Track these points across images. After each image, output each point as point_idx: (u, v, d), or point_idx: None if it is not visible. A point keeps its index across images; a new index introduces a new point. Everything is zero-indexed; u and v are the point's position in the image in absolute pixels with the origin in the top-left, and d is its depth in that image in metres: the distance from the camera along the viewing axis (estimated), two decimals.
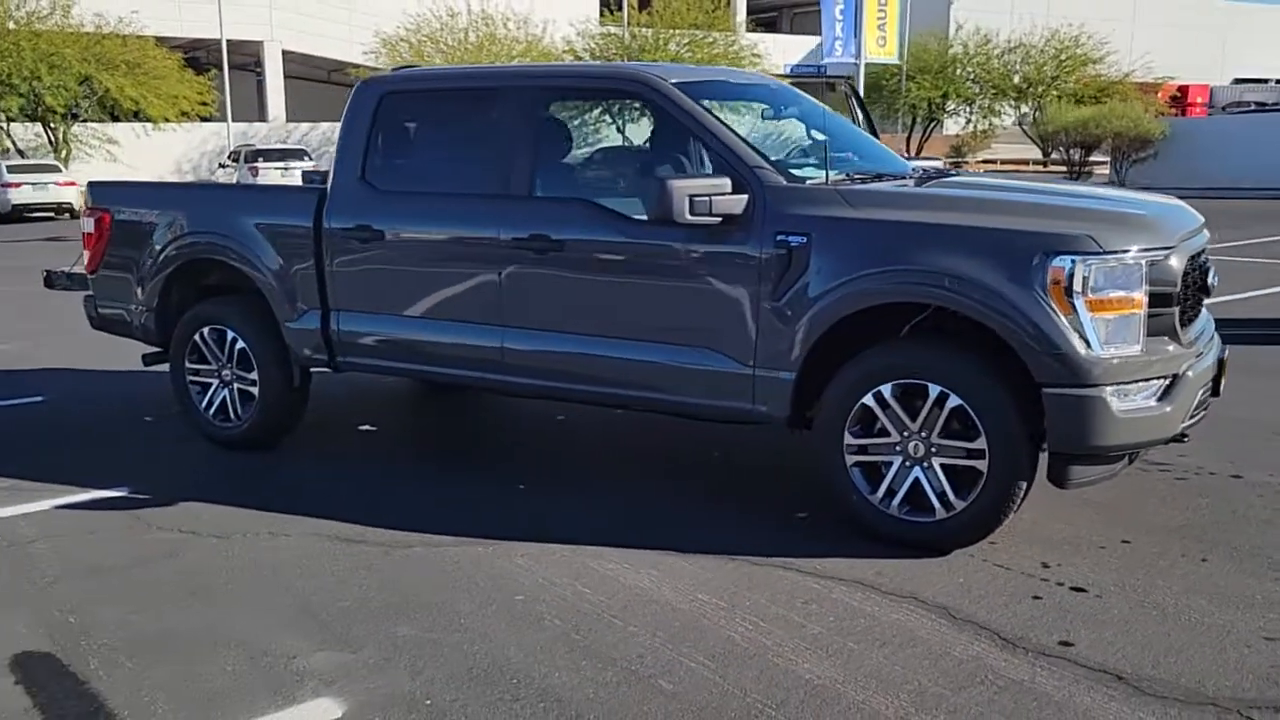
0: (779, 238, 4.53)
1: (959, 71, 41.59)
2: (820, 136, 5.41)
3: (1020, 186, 5.27)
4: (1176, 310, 4.33)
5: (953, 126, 44.38)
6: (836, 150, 5.25)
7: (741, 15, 47.22)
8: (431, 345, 5.43)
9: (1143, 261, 4.19)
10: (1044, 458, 4.37)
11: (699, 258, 4.70)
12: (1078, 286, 4.08)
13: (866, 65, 18.39)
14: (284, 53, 41.04)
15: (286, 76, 42.48)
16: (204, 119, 36.50)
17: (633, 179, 5.07)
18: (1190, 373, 4.36)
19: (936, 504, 4.38)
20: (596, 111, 5.68)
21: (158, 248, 6.17)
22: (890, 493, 4.48)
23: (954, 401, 4.28)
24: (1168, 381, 4.29)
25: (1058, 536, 4.58)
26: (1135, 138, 30.26)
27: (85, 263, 6.64)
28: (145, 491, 5.45)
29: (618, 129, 5.43)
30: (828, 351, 4.55)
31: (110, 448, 6.29)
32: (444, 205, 5.37)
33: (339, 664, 3.65)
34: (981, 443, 4.26)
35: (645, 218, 4.84)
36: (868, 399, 4.45)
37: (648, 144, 5.34)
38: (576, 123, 5.62)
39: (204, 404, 6.21)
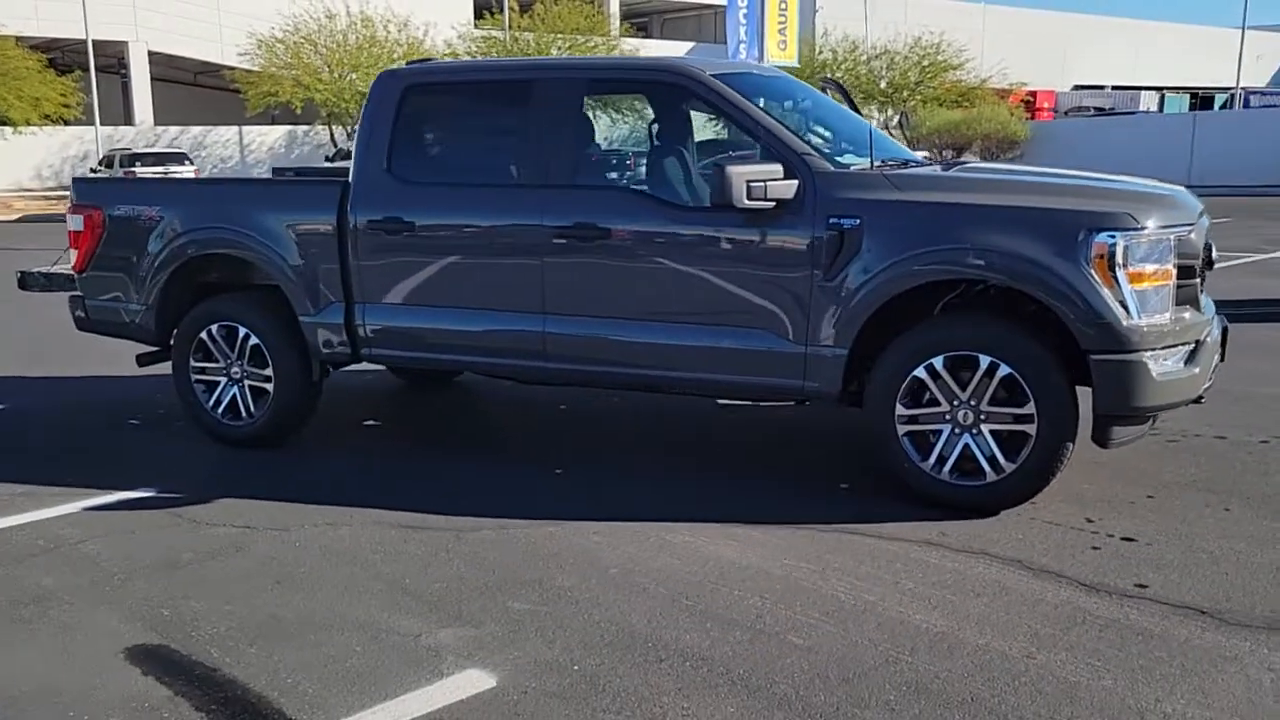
0: (831, 220, 4.75)
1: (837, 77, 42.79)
2: (836, 126, 5.67)
3: (1037, 172, 5.62)
4: (1198, 282, 4.72)
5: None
6: (851, 140, 5.51)
7: (616, 21, 47.59)
8: (467, 334, 5.49)
9: (1171, 237, 4.56)
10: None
11: (750, 242, 4.89)
12: (1119, 260, 4.43)
13: (785, 66, 18.79)
14: (149, 54, 39.58)
15: (152, 79, 40.99)
16: (66, 122, 34.96)
17: (678, 167, 5.23)
18: (1208, 339, 4.76)
19: (987, 468, 4.67)
20: (635, 102, 5.80)
21: (160, 244, 6.04)
22: (941, 459, 4.75)
23: (1004, 371, 4.58)
24: (1191, 347, 4.67)
25: (1089, 495, 4.92)
26: (1003, 139, 31.79)
27: (72, 262, 6.44)
28: (172, 491, 5.35)
29: (655, 119, 5.57)
30: (873, 329, 4.80)
31: (108, 451, 6.14)
32: (482, 196, 5.44)
33: (468, 638, 3.71)
34: (1030, 408, 4.56)
35: (690, 204, 5.02)
36: (919, 371, 4.71)
37: (691, 134, 5.50)
38: (615, 113, 5.74)
39: (211, 403, 6.10)
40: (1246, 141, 30.58)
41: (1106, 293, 4.42)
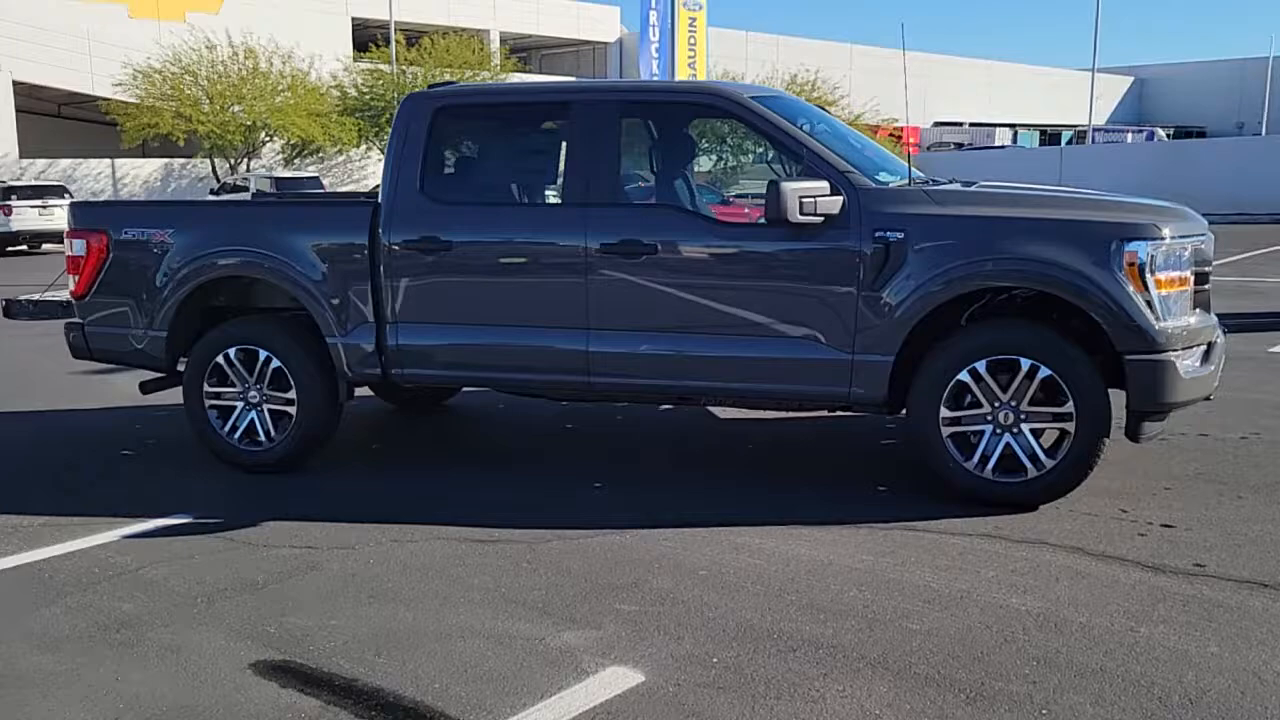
0: (877, 234, 5.01)
1: None
2: (853, 145, 5.94)
3: (1047, 188, 5.98)
4: (1209, 288, 5.13)
5: (705, 163, 46.50)
6: (868, 160, 5.79)
7: (498, 56, 47.68)
8: (506, 351, 5.55)
9: (1189, 246, 4.96)
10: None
11: (799, 255, 5.11)
12: (1148, 267, 4.79)
13: None
14: (14, 84, 37.92)
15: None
16: None
17: (724, 184, 5.42)
18: (1218, 340, 5.17)
19: (1029, 464, 4.96)
20: (675, 124, 5.94)
21: (174, 267, 5.94)
22: (984, 459, 5.03)
23: (1044, 373, 4.88)
24: (1205, 348, 5.07)
25: (1113, 490, 5.25)
26: None
27: (72, 287, 6.26)
28: (208, 516, 5.26)
29: (694, 141, 5.74)
30: (916, 336, 5.07)
31: (116, 481, 5.99)
32: (523, 214, 5.54)
33: (594, 639, 3.79)
34: (1069, 407, 4.87)
35: (735, 221, 5.21)
36: (963, 375, 4.99)
37: (732, 154, 5.70)
38: (656, 134, 5.89)
39: (226, 428, 6.00)
40: (1108, 170, 32.42)
41: (1139, 298, 4.77)
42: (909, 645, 3.67)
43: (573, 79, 8.00)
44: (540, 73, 57.08)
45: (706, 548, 4.65)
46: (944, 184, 5.51)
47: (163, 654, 3.79)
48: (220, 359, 5.95)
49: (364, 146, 38.72)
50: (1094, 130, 58.95)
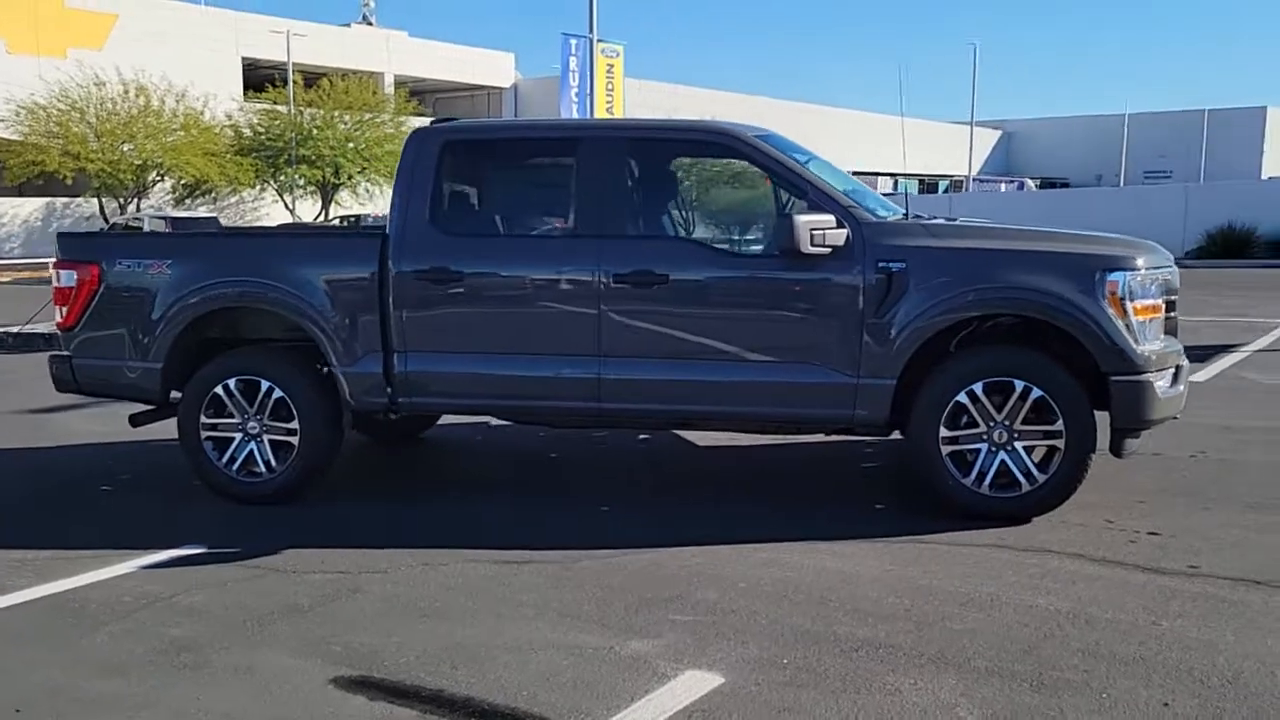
0: (880, 264, 5.32)
1: None
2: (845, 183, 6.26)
3: (1028, 226, 6.33)
4: (1175, 315, 5.58)
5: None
6: (859, 196, 6.09)
7: (392, 100, 47.59)
8: (518, 379, 5.68)
9: (1160, 276, 5.40)
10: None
11: (806, 285, 5.39)
12: (1126, 296, 5.21)
13: None
14: None
15: None
16: None
17: (730, 218, 5.67)
18: (1184, 363, 5.61)
19: (1023, 480, 5.31)
20: (682, 160, 6.18)
21: (172, 299, 5.91)
22: (980, 475, 5.35)
23: (1036, 393, 5.24)
24: (1174, 370, 5.50)
25: (1093, 503, 5.59)
26: None
27: (59, 319, 6.17)
28: (222, 546, 5.25)
29: (699, 177, 6.00)
30: (913, 362, 5.38)
31: (104, 514, 5.94)
32: (535, 246, 5.70)
33: (661, 646, 3.95)
34: (1060, 425, 5.23)
35: (743, 252, 5.48)
36: (961, 396, 5.31)
37: (736, 189, 5.96)
38: (665, 170, 6.11)
39: (224, 460, 5.97)
40: (994, 215, 33.90)
41: (1120, 323, 5.18)
42: (960, 643, 3.92)
43: (576, 118, 8.13)
44: (435, 114, 56.95)
45: (735, 563, 4.85)
46: (934, 219, 5.86)
47: (236, 674, 3.81)
48: (220, 390, 5.93)
49: (259, 187, 38.14)
50: (971, 180, 61.68)
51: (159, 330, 5.95)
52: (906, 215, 5.64)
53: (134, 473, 6.87)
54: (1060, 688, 3.53)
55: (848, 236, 5.31)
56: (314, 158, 35.98)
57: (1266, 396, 8.80)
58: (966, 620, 4.13)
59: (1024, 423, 5.30)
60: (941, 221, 5.78)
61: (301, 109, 36.54)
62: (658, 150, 5.95)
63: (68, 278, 6.09)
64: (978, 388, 5.30)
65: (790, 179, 5.54)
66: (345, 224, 34.37)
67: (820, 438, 6.32)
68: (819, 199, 5.43)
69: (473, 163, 5.97)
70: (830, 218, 5.28)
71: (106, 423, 7.86)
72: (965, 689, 3.55)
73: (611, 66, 19.21)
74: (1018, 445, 5.31)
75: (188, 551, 5.19)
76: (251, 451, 5.96)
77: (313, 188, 38.15)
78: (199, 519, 5.75)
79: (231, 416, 5.96)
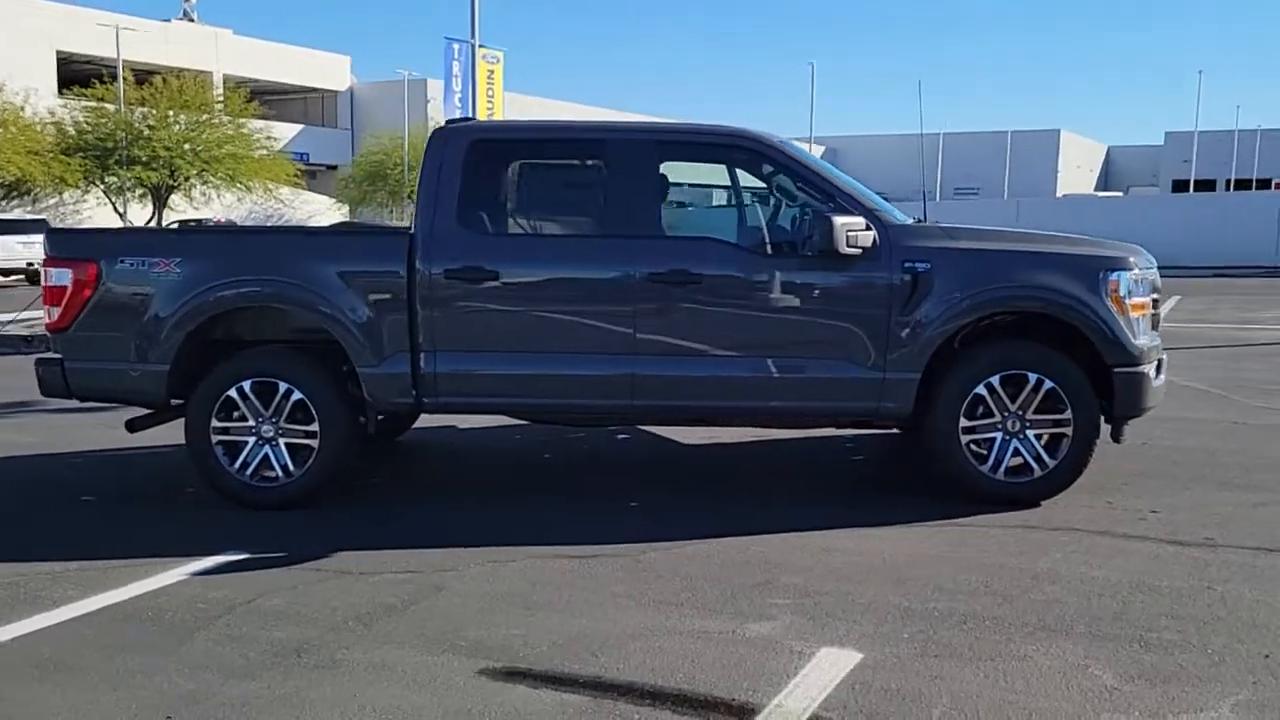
0: (906, 265, 5.63)
1: None
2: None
3: (1028, 230, 6.71)
4: (1158, 312, 6.10)
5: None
6: (876, 201, 6.35)
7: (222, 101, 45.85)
8: (550, 378, 5.73)
9: (1149, 276, 5.90)
10: None
11: (836, 285, 5.64)
12: (1124, 294, 5.68)
13: None
14: None
15: None
16: None
17: (759, 220, 5.87)
18: (1164, 356, 6.14)
19: (1035, 465, 5.70)
20: (712, 163, 6.31)
21: (181, 299, 5.70)
22: (996, 462, 5.72)
23: (1048, 385, 5.65)
24: (1157, 362, 6.01)
25: (1087, 485, 5.99)
26: None
27: (50, 319, 5.86)
28: (264, 550, 5.13)
29: (732, 179, 6.13)
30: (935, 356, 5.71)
31: (111, 524, 5.71)
32: (569, 245, 5.76)
33: (782, 628, 4.11)
34: (1069, 414, 5.65)
35: (774, 253, 5.71)
36: (980, 389, 5.67)
37: (761, 192, 6.15)
38: (692, 172, 6.24)
39: (236, 465, 5.80)
40: None
41: (1121, 320, 5.64)
42: (1052, 613, 4.23)
43: (600, 120, 8.03)
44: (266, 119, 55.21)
45: (797, 551, 5.05)
46: (947, 225, 6.21)
47: (378, 672, 3.77)
48: (233, 392, 5.75)
49: (84, 188, 36.06)
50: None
51: (166, 331, 5.73)
52: (925, 217, 5.95)
53: (124, 481, 6.60)
54: (1168, 648, 3.87)
55: (875, 239, 5.59)
56: (147, 159, 34.33)
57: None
58: (1044, 592, 4.45)
59: (1035, 412, 5.69)
60: (961, 226, 6.12)
61: (133, 107, 34.79)
62: (685, 152, 6.11)
63: (60, 276, 5.80)
64: (995, 380, 5.66)
65: (816, 182, 5.79)
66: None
67: (799, 437, 6.61)
68: (846, 202, 5.69)
69: (500, 162, 5.99)
70: (861, 220, 5.55)
71: (51, 430, 7.45)
72: (1085, 652, 3.84)
73: (492, 73, 19.14)
74: (1029, 433, 5.70)
75: (232, 557, 5.04)
76: (266, 455, 5.80)
77: (143, 190, 36.37)
78: (220, 524, 5.56)
79: (245, 420, 5.79)
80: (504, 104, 19.67)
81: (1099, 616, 4.17)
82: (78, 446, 7.61)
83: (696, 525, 5.42)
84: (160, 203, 36.37)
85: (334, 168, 51.83)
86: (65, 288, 5.78)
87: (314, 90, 55.71)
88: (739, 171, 6.11)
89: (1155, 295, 6.00)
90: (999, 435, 5.71)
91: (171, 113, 34.83)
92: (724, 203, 6.25)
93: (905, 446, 7.31)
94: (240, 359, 5.82)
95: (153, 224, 35.67)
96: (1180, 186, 67.29)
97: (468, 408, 6.01)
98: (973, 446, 5.72)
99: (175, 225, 34.21)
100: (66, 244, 5.95)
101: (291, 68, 53.56)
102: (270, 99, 55.39)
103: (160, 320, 5.72)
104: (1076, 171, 79.21)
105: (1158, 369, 5.95)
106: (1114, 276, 5.67)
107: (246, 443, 5.80)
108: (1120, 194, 64.09)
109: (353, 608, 4.38)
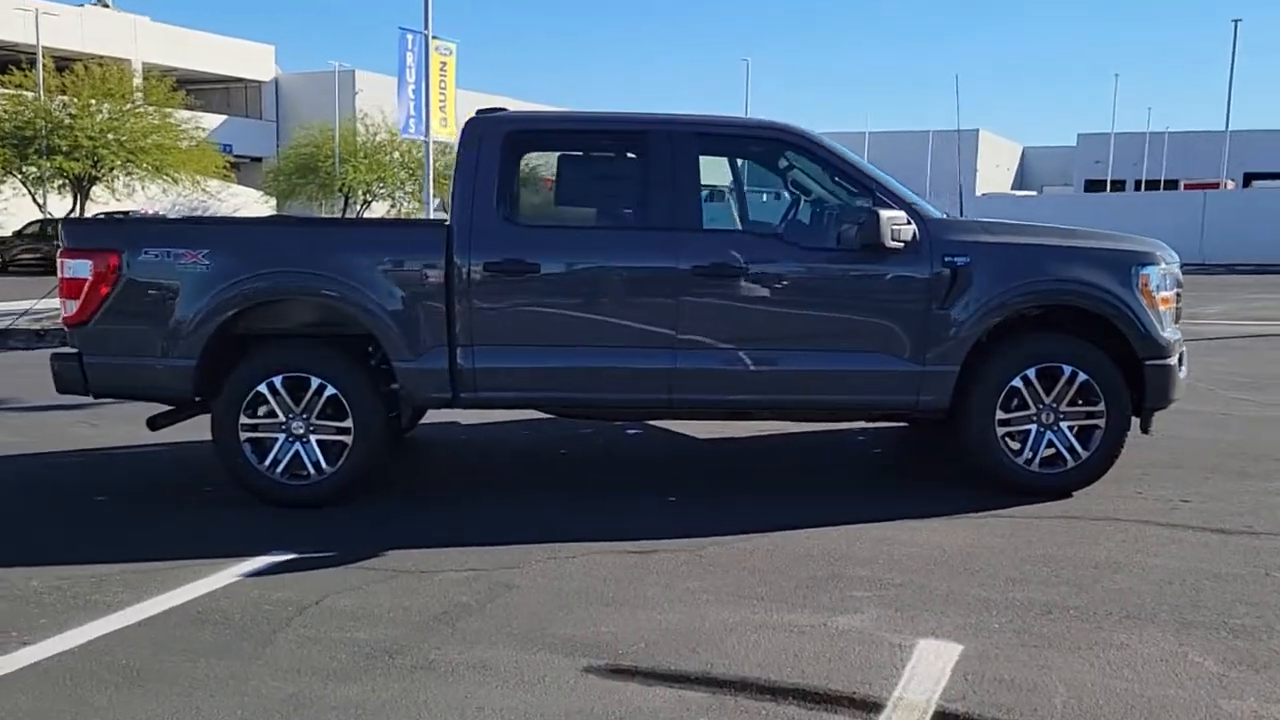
0: (946, 259, 5.67)
1: (388, 158, 43.35)
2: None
3: (1056, 225, 6.78)
4: (1180, 306, 6.24)
5: (380, 208, 45.75)
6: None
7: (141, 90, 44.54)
8: (590, 371, 5.66)
9: (1173, 271, 6.03)
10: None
11: (878, 278, 5.67)
12: (1154, 288, 5.80)
13: (433, 143, 19.19)
14: None
15: None
16: None
17: (801, 212, 5.87)
18: (1184, 349, 6.28)
19: (1068, 457, 5.79)
20: (752, 156, 6.27)
21: (210, 292, 5.52)
22: (1031, 454, 5.80)
23: (1082, 377, 5.74)
24: (1179, 355, 6.14)
25: (1108, 476, 6.11)
26: None
27: (68, 313, 5.63)
28: (311, 550, 5.00)
29: (771, 171, 6.11)
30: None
31: (140, 526, 5.51)
32: (612, 238, 5.70)
33: (872, 620, 4.11)
34: (1102, 406, 5.76)
35: (817, 245, 5.72)
36: (1016, 381, 5.75)
37: (801, 185, 6.14)
38: (733, 164, 6.20)
39: (266, 462, 5.64)
40: None
41: (1151, 313, 5.76)
42: (1130, 601, 4.29)
43: (637, 112, 7.95)
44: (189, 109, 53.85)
45: (853, 543, 5.06)
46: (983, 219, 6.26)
47: (480, 672, 3.69)
48: (263, 388, 5.59)
49: None
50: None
51: (193, 325, 5.54)
52: (961, 211, 6.00)
53: (149, 478, 6.40)
54: (1254, 634, 3.96)
55: (915, 233, 5.62)
56: (69, 148, 33.15)
57: None
58: (1114, 581, 4.52)
59: (1069, 404, 5.78)
60: (995, 220, 6.18)
61: (52, 95, 33.57)
62: (726, 144, 6.08)
63: (79, 268, 5.57)
64: (1031, 373, 5.74)
65: (855, 176, 5.81)
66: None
67: (811, 431, 6.63)
68: (886, 196, 5.72)
69: (537, 154, 5.89)
70: (903, 214, 5.58)
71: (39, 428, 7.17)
72: (1178, 639, 3.91)
73: (444, 65, 18.85)
74: (1063, 425, 5.79)
75: (279, 558, 4.90)
76: (297, 453, 5.64)
77: (63, 181, 35.16)
78: (252, 524, 5.41)
79: (274, 416, 5.62)
80: (456, 96, 19.44)
81: (1176, 604, 4.25)
82: (60, 446, 7.34)
83: (744, 520, 5.39)
84: (82, 194, 35.17)
85: (258, 160, 50.74)
86: (84, 280, 5.56)
87: (237, 80, 54.50)
88: (779, 164, 6.09)
89: (1179, 289, 6.13)
90: (1034, 427, 5.79)
91: (94, 101, 33.66)
92: (764, 195, 6.23)
93: (917, 439, 7.41)
94: (271, 353, 5.65)
95: (74, 215, 34.51)
96: (1092, 186, 69.12)
97: (505, 403, 5.92)
98: (1008, 439, 5.78)
99: (101, 217, 33.23)
100: (86, 235, 5.74)
101: (214, 57, 52.33)
102: (191, 89, 54.11)
103: (187, 314, 5.53)
104: (995, 170, 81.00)
105: (1180, 361, 6.08)
106: (1145, 271, 5.78)
107: (276, 440, 5.64)
108: (1035, 193, 65.79)
109: (427, 607, 4.28)
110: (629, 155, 5.84)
